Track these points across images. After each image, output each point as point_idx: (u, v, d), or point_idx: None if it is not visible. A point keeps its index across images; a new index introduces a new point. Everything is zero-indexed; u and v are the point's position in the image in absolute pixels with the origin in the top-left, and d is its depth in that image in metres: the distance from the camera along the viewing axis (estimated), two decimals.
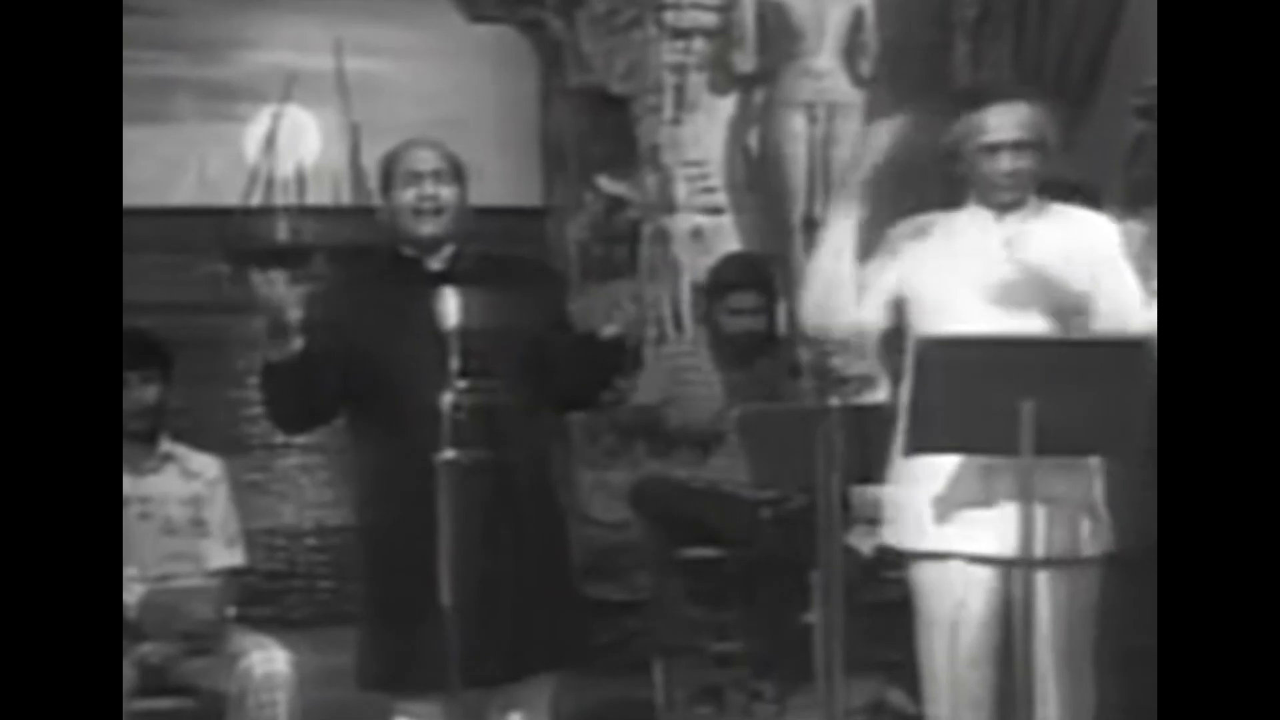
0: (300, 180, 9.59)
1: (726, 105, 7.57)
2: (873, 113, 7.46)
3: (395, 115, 8.56)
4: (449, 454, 4.08)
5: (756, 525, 5.96)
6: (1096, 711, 4.26)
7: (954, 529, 4.19)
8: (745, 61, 7.47)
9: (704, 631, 6.30)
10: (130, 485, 4.97)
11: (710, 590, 6.20)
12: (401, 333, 4.34)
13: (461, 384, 4.11)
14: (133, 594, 4.91)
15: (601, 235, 7.69)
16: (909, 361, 3.98)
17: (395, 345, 4.36)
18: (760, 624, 6.10)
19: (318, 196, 9.59)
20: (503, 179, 7.95)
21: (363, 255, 4.97)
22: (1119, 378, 3.89)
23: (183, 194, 9.09)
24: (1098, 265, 4.21)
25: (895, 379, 4.30)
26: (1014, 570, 4.08)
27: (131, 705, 4.64)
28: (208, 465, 5.27)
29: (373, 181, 4.75)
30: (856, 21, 7.43)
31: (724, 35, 7.48)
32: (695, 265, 7.27)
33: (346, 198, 9.57)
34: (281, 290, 4.28)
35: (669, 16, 7.48)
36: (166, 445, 5.20)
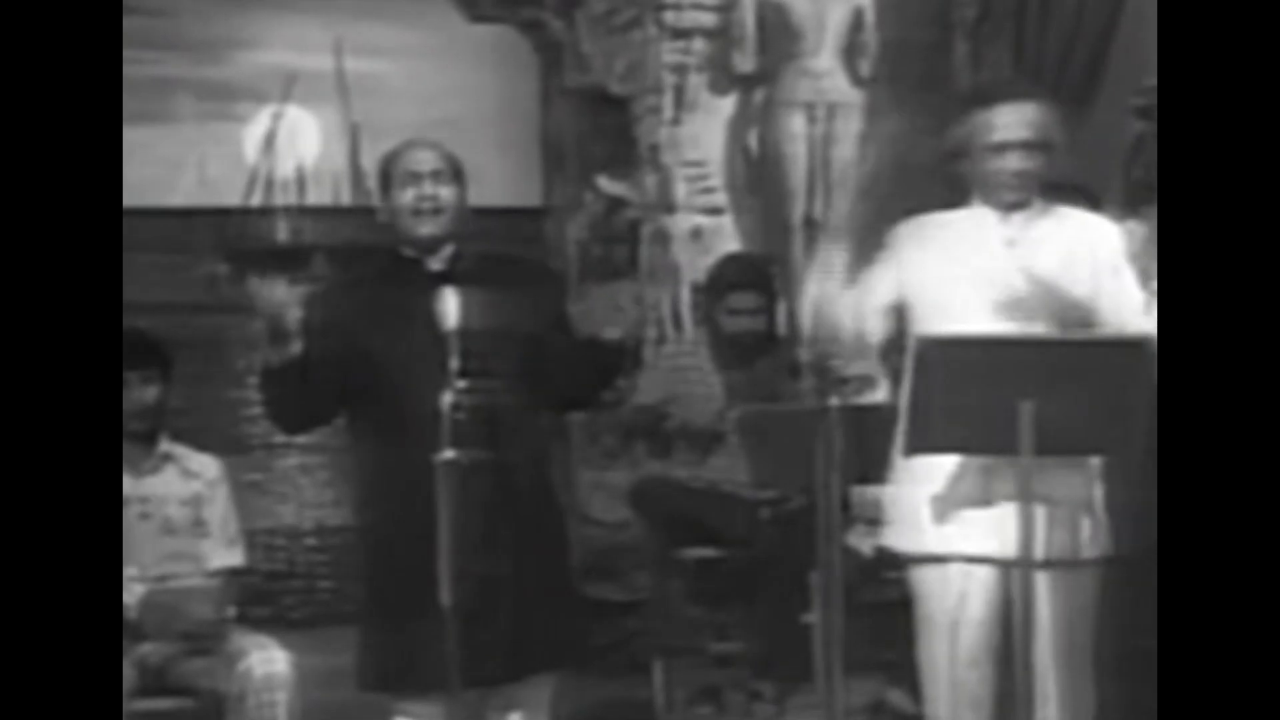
0: (300, 180, 9.59)
1: (726, 105, 7.56)
2: (873, 112, 7.47)
3: (395, 115, 8.55)
4: (449, 454, 4.07)
5: (756, 525, 5.96)
6: (1096, 712, 4.26)
7: (954, 530, 4.19)
8: (745, 61, 7.47)
9: (703, 632, 6.30)
10: (130, 485, 4.98)
11: (710, 590, 6.20)
12: (401, 333, 4.34)
13: (461, 384, 4.11)
14: (132, 594, 4.91)
15: (601, 235, 7.69)
16: (909, 361, 3.97)
17: (395, 345, 4.36)
18: (760, 624, 6.10)
19: (317, 197, 9.59)
20: (502, 179, 7.95)
21: (362, 255, 4.98)
22: (1119, 378, 3.89)
23: (182, 194, 9.08)
24: (1100, 270, 4.21)
25: (895, 379, 4.29)
26: (1014, 570, 4.08)
27: (131, 705, 4.63)
28: (207, 465, 5.27)
29: (372, 182, 4.75)
30: (856, 21, 7.44)
31: (724, 35, 7.48)
32: (695, 265, 7.27)
33: (346, 198, 9.56)
34: (280, 296, 4.28)
35: (669, 16, 7.48)
36: (166, 445, 5.20)
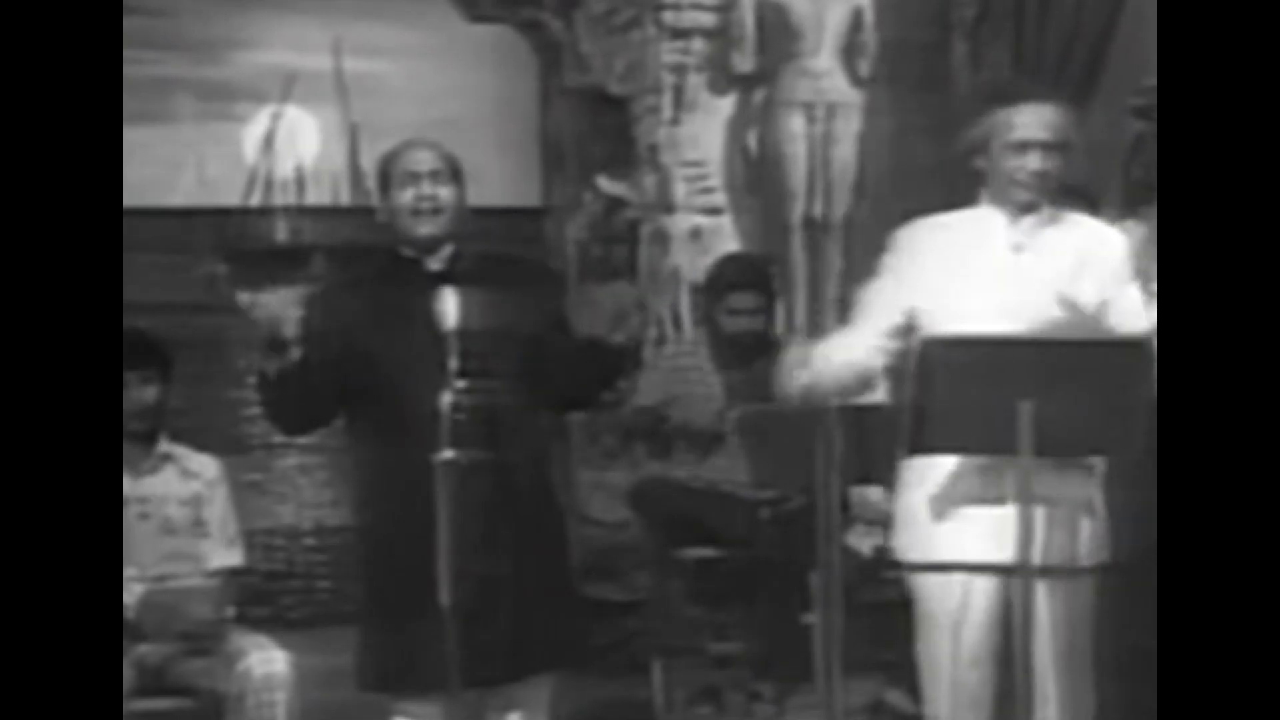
0: (299, 180, 9.58)
1: (725, 105, 7.57)
2: (872, 112, 7.48)
3: (394, 115, 8.54)
4: (448, 454, 4.07)
5: (756, 525, 5.96)
6: (1096, 712, 4.26)
7: (954, 533, 4.18)
8: (744, 62, 7.48)
9: (703, 632, 6.30)
10: (129, 485, 4.98)
11: (709, 591, 6.19)
12: (400, 333, 4.34)
13: (460, 384, 4.11)
14: (132, 594, 4.91)
15: (600, 235, 7.69)
16: (911, 362, 3.97)
17: (394, 346, 4.36)
18: (759, 624, 6.10)
19: (317, 197, 9.58)
20: (502, 179, 7.94)
21: (362, 256, 4.97)
22: (1119, 378, 3.89)
23: (182, 194, 9.08)
24: (1107, 279, 4.20)
25: (895, 379, 4.28)
26: (1014, 572, 4.07)
27: (130, 706, 4.62)
28: (207, 465, 5.27)
29: (371, 182, 4.75)
30: (855, 21, 7.45)
31: (723, 35, 7.49)
32: (694, 265, 7.27)
33: (345, 198, 9.55)
34: (275, 308, 4.28)
35: (668, 16, 7.49)
36: (165, 445, 5.20)
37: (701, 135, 7.55)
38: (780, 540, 5.81)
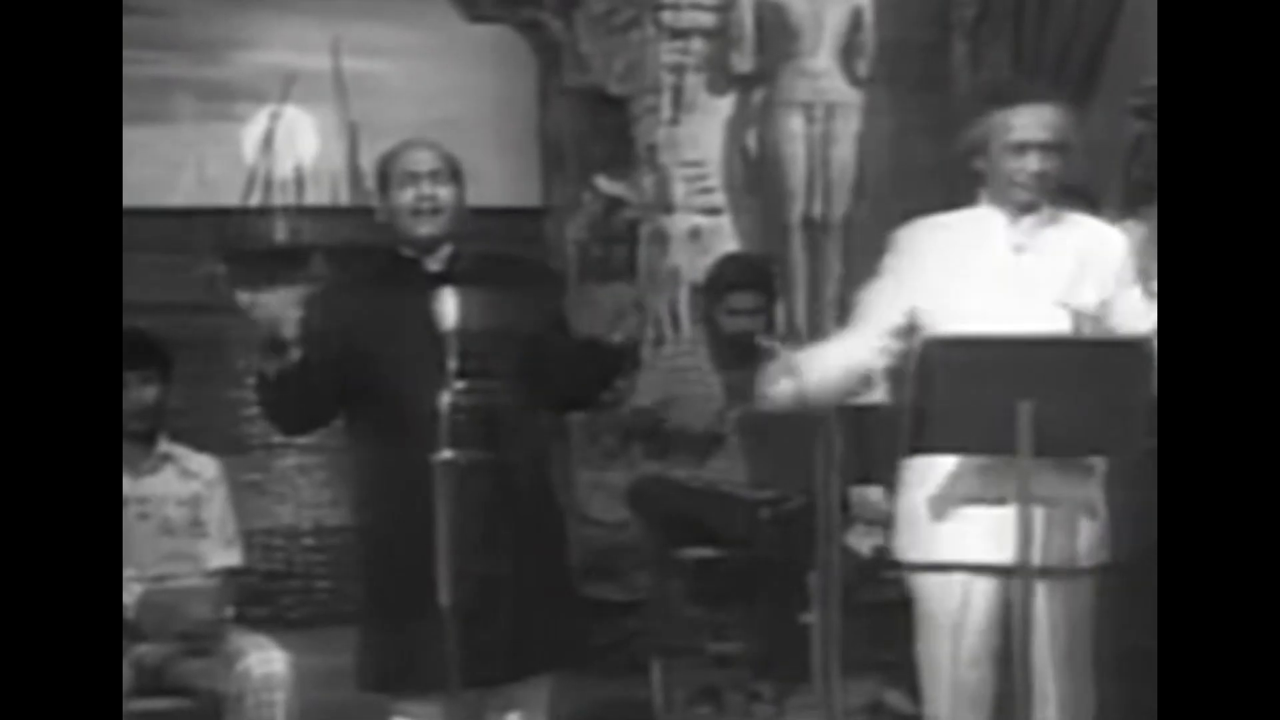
0: (299, 180, 9.57)
1: (724, 105, 7.57)
2: (871, 112, 7.48)
3: (393, 115, 8.54)
4: (447, 454, 4.07)
5: (755, 525, 5.96)
6: (1097, 712, 4.26)
7: (954, 534, 4.18)
8: (743, 62, 7.48)
9: (702, 632, 6.30)
10: (129, 485, 4.98)
11: (709, 590, 6.19)
12: (400, 333, 4.33)
13: (460, 384, 4.11)
14: (131, 594, 4.91)
15: (600, 235, 7.69)
16: (911, 362, 3.97)
17: (393, 346, 4.35)
18: (759, 624, 6.10)
19: (316, 197, 9.57)
20: (501, 179, 7.94)
21: (361, 256, 4.97)
22: (1119, 378, 3.89)
23: (182, 194, 9.07)
24: (1108, 279, 4.20)
25: (895, 379, 4.28)
26: (1013, 572, 4.07)
27: (129, 706, 4.61)
28: (206, 465, 5.27)
29: (371, 182, 4.75)
30: (855, 21, 7.45)
31: (722, 35, 7.49)
32: (694, 265, 7.27)
33: (345, 198, 9.54)
34: (274, 309, 4.28)
35: (667, 17, 7.49)
36: (165, 445, 5.20)
37: (701, 135, 7.55)
38: (780, 540, 5.81)
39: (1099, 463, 4.24)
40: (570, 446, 7.33)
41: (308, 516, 8.90)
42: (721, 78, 7.53)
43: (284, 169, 9.52)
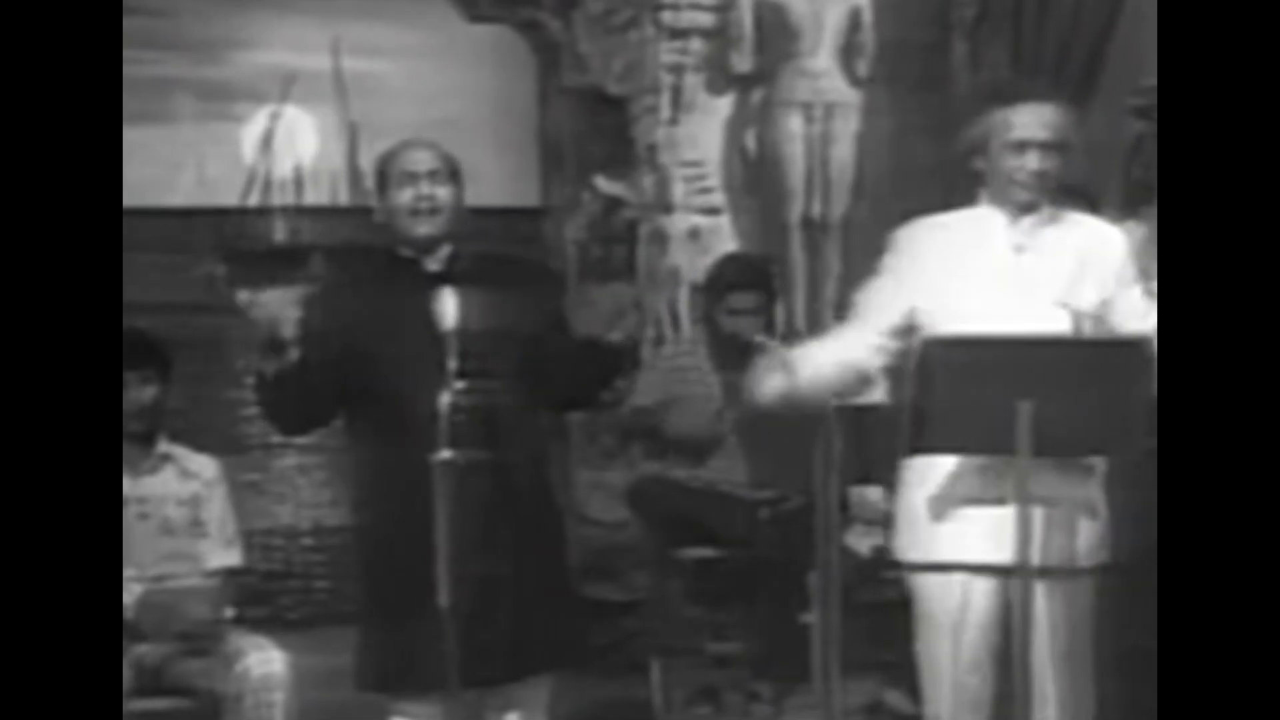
0: (298, 180, 9.57)
1: (724, 105, 7.57)
2: (870, 112, 7.48)
3: (393, 115, 8.54)
4: (446, 454, 4.07)
5: (754, 525, 5.96)
6: (1096, 712, 4.25)
7: (954, 534, 4.18)
8: (742, 62, 7.48)
9: (702, 632, 6.30)
10: (128, 485, 4.97)
11: (708, 590, 6.20)
12: (399, 333, 4.33)
13: (459, 384, 4.11)
14: (130, 594, 4.90)
15: (599, 235, 7.69)
16: (911, 362, 3.96)
17: (393, 346, 4.35)
18: (758, 624, 6.10)
19: (315, 197, 9.57)
20: (500, 179, 7.94)
21: (360, 256, 4.96)
22: (1119, 378, 3.89)
23: (181, 194, 9.08)
24: (1108, 278, 4.20)
25: (894, 379, 4.27)
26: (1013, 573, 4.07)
27: (128, 706, 4.61)
28: (205, 465, 5.26)
29: (370, 182, 4.75)
30: (854, 21, 7.45)
31: (721, 35, 7.49)
32: (693, 265, 7.27)
33: (344, 198, 9.55)
34: (274, 308, 4.27)
35: (666, 17, 7.49)
36: (164, 445, 5.19)
37: (700, 135, 7.55)
38: (779, 540, 5.81)
39: (1099, 463, 4.24)
40: (569, 446, 7.33)
41: (307, 516, 8.90)
42: (721, 78, 7.53)
43: (283, 169, 9.52)
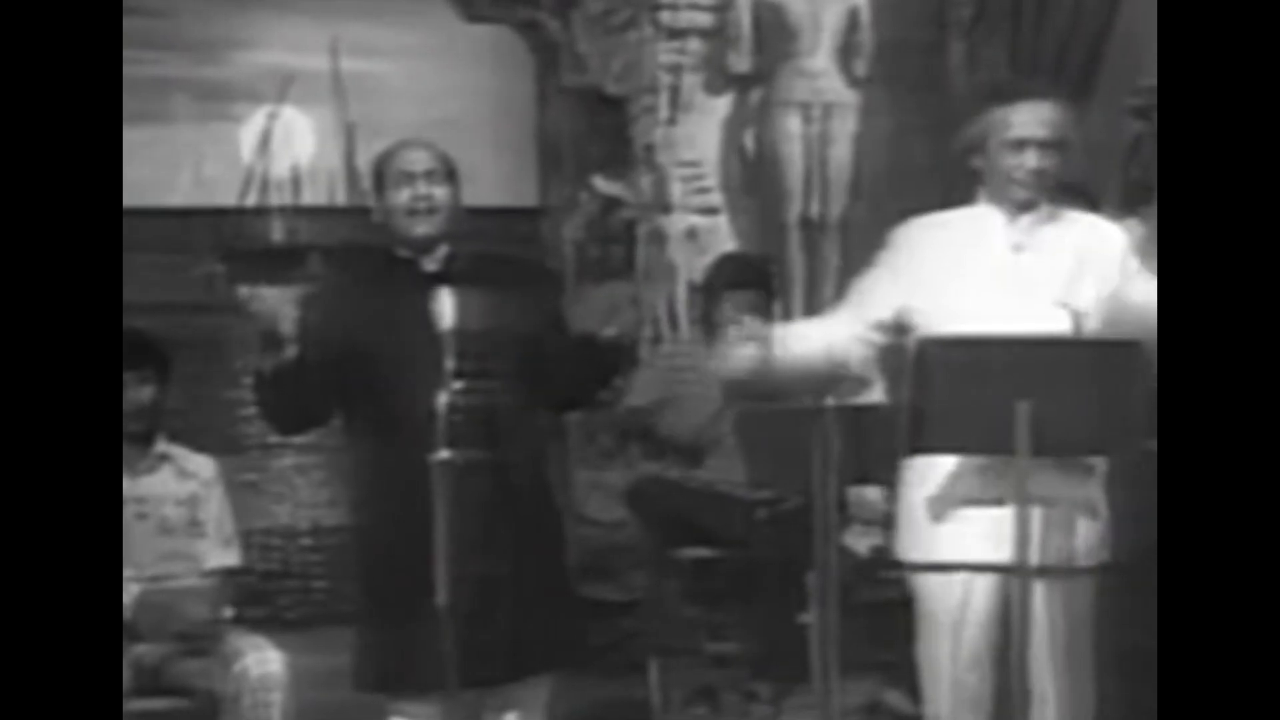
0: (295, 180, 9.59)
1: (722, 105, 7.57)
2: (868, 112, 7.48)
3: (391, 115, 8.56)
4: (445, 454, 4.07)
5: (752, 525, 5.95)
6: (1096, 712, 4.25)
7: (953, 534, 4.18)
8: (740, 62, 7.48)
9: (700, 632, 6.30)
10: (126, 485, 4.96)
11: (706, 590, 6.19)
12: (397, 333, 4.33)
13: (457, 384, 4.11)
14: (128, 594, 4.90)
15: (597, 235, 7.69)
16: (909, 362, 3.96)
17: (391, 346, 4.35)
18: (756, 624, 6.09)
19: (313, 197, 9.59)
20: (498, 179, 7.96)
21: (358, 256, 4.97)
22: (1119, 378, 3.88)
23: (179, 194, 9.09)
24: (1108, 275, 4.19)
25: (892, 379, 4.27)
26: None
27: (127, 706, 4.60)
28: (203, 465, 5.26)
29: (367, 182, 4.75)
30: (852, 21, 7.45)
31: (719, 35, 7.49)
32: (691, 265, 7.27)
33: (341, 198, 9.57)
34: (272, 305, 4.27)
35: (664, 17, 7.49)
36: (162, 445, 5.19)
37: (698, 135, 7.55)
38: (777, 540, 5.80)
39: (1099, 463, 4.23)
40: (568, 446, 7.33)
41: (305, 516, 8.92)
42: (719, 78, 7.53)
43: (281, 169, 9.54)
